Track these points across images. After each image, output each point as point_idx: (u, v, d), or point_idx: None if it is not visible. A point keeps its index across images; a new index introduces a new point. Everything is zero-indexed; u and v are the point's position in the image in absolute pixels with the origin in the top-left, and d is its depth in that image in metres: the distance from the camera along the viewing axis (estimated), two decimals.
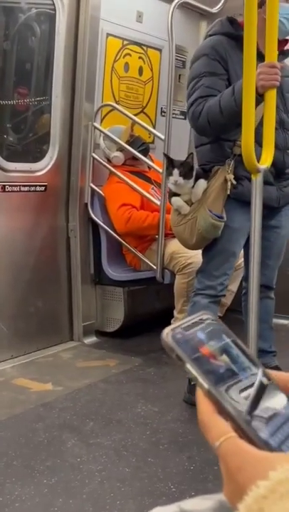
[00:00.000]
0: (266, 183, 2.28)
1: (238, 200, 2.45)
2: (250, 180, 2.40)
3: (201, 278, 2.58)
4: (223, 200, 2.44)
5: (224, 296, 2.66)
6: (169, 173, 2.51)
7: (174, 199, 2.54)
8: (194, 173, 2.49)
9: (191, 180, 2.49)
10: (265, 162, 2.05)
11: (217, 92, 2.36)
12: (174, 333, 0.48)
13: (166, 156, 2.70)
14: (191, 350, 0.47)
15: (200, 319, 0.49)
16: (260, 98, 2.06)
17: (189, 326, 0.49)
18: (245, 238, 2.51)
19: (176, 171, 2.49)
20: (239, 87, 2.17)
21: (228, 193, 2.43)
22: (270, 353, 2.76)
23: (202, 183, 2.48)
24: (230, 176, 2.41)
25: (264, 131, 2.05)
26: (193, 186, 2.49)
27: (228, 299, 3.44)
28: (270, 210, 2.50)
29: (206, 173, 2.50)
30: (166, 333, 0.48)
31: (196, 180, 2.50)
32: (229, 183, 2.41)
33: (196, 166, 2.54)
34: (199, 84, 2.39)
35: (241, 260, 3.05)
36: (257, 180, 2.07)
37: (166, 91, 3.35)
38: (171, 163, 2.53)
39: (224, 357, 0.48)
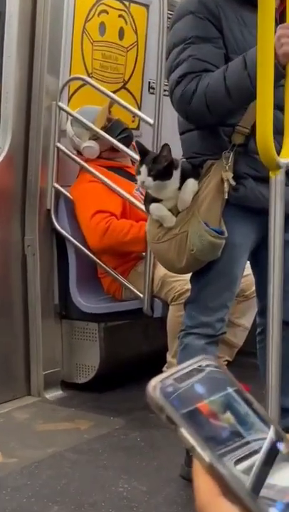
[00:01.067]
0: None
1: (239, 205, 2.44)
2: (255, 179, 2.41)
3: (192, 312, 2.56)
4: (221, 208, 2.42)
5: (225, 333, 2.66)
6: (138, 172, 2.46)
7: (155, 206, 2.49)
8: (179, 171, 2.44)
9: (173, 181, 2.44)
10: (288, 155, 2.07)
11: (212, 67, 2.34)
12: (164, 385, 0.48)
13: (138, 146, 2.60)
14: (186, 409, 0.47)
15: (198, 366, 0.50)
16: (280, 71, 2.07)
17: (184, 376, 0.49)
18: (247, 256, 2.52)
19: (144, 169, 2.42)
20: (253, 57, 2.12)
21: (226, 196, 2.41)
22: None
23: (191, 185, 2.45)
24: (229, 175, 2.38)
25: (286, 115, 2.07)
26: (179, 188, 2.45)
27: (239, 337, 3.44)
28: (285, 219, 2.49)
29: (195, 170, 2.47)
30: (154, 385, 0.48)
31: (182, 179, 2.45)
32: (227, 184, 2.39)
33: (182, 160, 2.50)
34: (186, 54, 2.36)
35: (254, 288, 3.06)
36: (277, 180, 2.08)
37: (156, 60, 3.38)
38: (142, 157, 2.48)
39: (229, 416, 0.48)
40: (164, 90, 3.67)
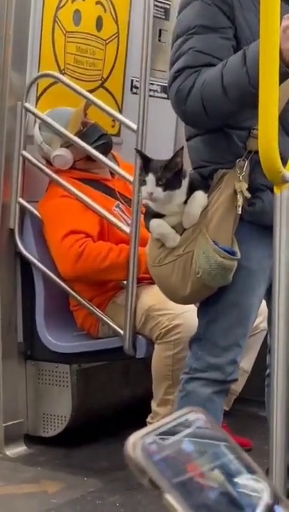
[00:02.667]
0: None
1: (256, 223, 2.45)
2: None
3: (198, 351, 2.55)
4: (234, 225, 2.43)
5: (236, 381, 2.65)
6: (142, 182, 2.50)
7: (155, 223, 2.50)
8: (187, 181, 2.47)
9: (181, 192, 2.46)
10: None
11: (217, 61, 2.35)
12: (147, 443, 0.48)
13: (140, 154, 2.69)
14: (172, 470, 0.47)
15: (185, 420, 0.49)
16: (285, 70, 2.07)
17: (169, 432, 0.48)
18: (268, 284, 2.51)
19: (150, 178, 2.45)
20: (255, 51, 2.12)
21: (240, 211, 2.42)
22: None
23: (200, 198, 2.46)
24: (243, 185, 2.39)
25: None
26: (185, 202, 2.47)
27: (238, 382, 3.43)
28: None
29: (204, 181, 2.49)
30: (134, 443, 0.48)
31: (190, 191, 2.47)
32: (240, 197, 2.41)
33: (189, 170, 2.53)
34: (187, 46, 2.38)
35: (261, 320, 3.05)
36: (282, 195, 2.09)
37: (140, 55, 3.40)
38: (145, 166, 2.52)
39: (219, 475, 0.48)
40: (150, 90, 3.71)
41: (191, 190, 2.47)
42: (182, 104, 2.37)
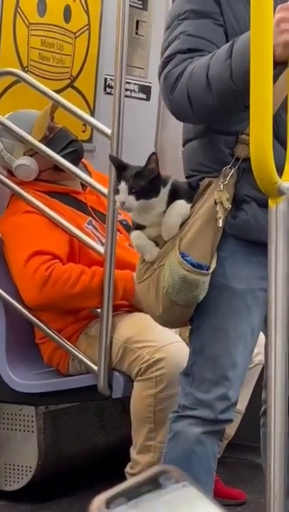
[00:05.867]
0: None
1: (242, 239, 2.49)
2: (261, 204, 2.44)
3: (186, 387, 2.57)
4: (214, 239, 2.47)
5: (230, 422, 2.65)
6: (116, 191, 2.56)
7: (134, 234, 2.58)
8: (167, 189, 2.53)
9: (159, 201, 2.52)
10: None
11: (209, 45, 2.41)
12: (113, 505, 0.48)
13: (114, 161, 2.73)
14: None
15: (157, 481, 0.49)
16: (280, 66, 2.10)
17: (139, 492, 0.48)
18: (263, 311, 2.52)
19: (123, 186, 2.51)
20: (241, 45, 2.20)
21: (220, 224, 2.45)
22: None
23: (179, 207, 2.52)
24: (224, 196, 2.43)
25: None
26: (166, 211, 2.53)
27: (231, 425, 3.43)
28: None
29: (191, 191, 2.55)
30: (97, 507, 0.48)
31: (172, 201, 2.53)
32: (220, 208, 2.44)
33: (177, 179, 2.58)
34: (178, 31, 2.45)
35: (257, 352, 3.05)
36: (278, 210, 2.09)
37: (115, 50, 3.41)
38: (119, 173, 2.58)
39: None
40: (126, 90, 3.71)
41: (173, 199, 2.53)
42: (169, 91, 2.43)
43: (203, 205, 2.48)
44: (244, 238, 2.47)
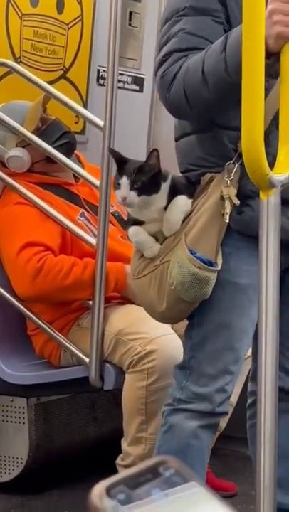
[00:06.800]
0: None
1: (245, 234, 2.49)
2: None
3: (182, 381, 2.57)
4: (219, 234, 2.47)
5: (226, 414, 2.66)
6: (117, 185, 2.56)
7: (132, 230, 2.58)
8: (168, 184, 2.53)
9: (159, 197, 2.52)
10: (286, 168, 2.08)
11: (208, 43, 2.41)
12: (114, 493, 0.48)
13: (113, 154, 2.72)
14: None
15: (156, 470, 0.50)
16: (272, 58, 2.09)
17: (139, 481, 0.49)
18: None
19: (124, 181, 2.52)
20: (235, 37, 2.20)
21: (227, 220, 2.46)
22: None
23: (181, 203, 2.52)
24: (232, 191, 2.43)
25: (281, 117, 2.10)
26: (166, 207, 2.53)
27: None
28: (286, 251, 2.49)
29: (190, 186, 2.55)
30: (98, 494, 0.48)
31: (172, 196, 2.53)
32: (228, 204, 2.44)
33: (172, 173, 2.58)
34: (176, 29, 2.45)
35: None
36: (269, 202, 2.10)
37: (108, 41, 3.40)
38: (120, 168, 2.58)
39: None
40: (119, 81, 3.71)
41: (173, 195, 2.53)
42: (166, 90, 2.43)
43: (206, 200, 2.48)
44: (249, 234, 2.45)
